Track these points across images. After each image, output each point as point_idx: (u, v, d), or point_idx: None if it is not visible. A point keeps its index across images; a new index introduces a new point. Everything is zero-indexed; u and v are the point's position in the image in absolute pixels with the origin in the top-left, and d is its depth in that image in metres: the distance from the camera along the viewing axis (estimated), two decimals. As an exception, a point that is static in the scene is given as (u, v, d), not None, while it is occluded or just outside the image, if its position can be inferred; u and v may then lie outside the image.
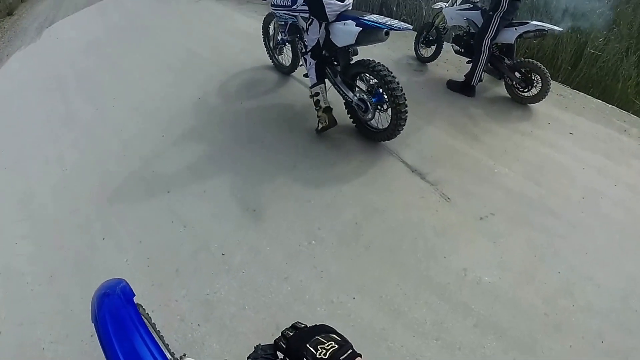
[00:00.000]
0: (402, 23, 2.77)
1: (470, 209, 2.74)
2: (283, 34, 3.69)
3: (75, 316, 2.28)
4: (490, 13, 3.48)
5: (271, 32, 4.18)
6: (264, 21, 4.19)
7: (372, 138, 3.27)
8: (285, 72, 4.24)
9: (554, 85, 3.88)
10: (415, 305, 2.19)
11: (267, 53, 4.36)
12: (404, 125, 3.02)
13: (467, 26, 3.88)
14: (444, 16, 4.01)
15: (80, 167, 3.43)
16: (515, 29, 3.46)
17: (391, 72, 2.93)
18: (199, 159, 3.30)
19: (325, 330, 0.82)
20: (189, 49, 5.28)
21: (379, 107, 3.09)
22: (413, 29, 4.06)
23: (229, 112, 3.83)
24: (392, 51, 4.62)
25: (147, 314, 1.54)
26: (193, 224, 2.73)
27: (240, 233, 2.63)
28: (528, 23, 3.43)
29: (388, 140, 3.17)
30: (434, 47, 4.33)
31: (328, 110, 3.25)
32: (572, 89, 4.09)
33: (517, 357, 1.99)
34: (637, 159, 3.22)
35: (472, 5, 3.77)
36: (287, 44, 3.96)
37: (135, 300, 1.23)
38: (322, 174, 3.04)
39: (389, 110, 3.03)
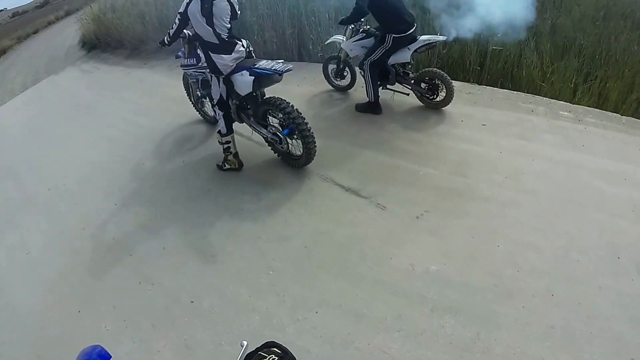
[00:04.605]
0: (285, 65, 3.19)
1: (405, 212, 2.98)
2: (199, 90, 3.96)
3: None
4: (379, 43, 3.87)
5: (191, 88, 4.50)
6: (183, 79, 4.53)
7: (295, 165, 3.56)
8: (212, 121, 4.56)
9: (462, 85, 4.28)
10: (374, 306, 2.37)
11: (194, 107, 4.70)
12: (314, 147, 3.34)
13: None
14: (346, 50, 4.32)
15: (44, 248, 3.48)
16: (408, 48, 3.84)
17: (290, 103, 3.26)
18: (153, 219, 3.45)
19: (267, 346, 1.00)
20: (127, 119, 5.50)
21: (293, 137, 3.40)
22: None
23: (174, 171, 4.05)
24: (314, 86, 4.95)
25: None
26: (159, 280, 2.85)
27: (204, 280, 2.77)
28: (417, 39, 3.81)
29: (308, 164, 3.47)
30: (349, 77, 4.65)
31: (237, 155, 3.75)
32: (483, 85, 4.46)
33: (477, 329, 2.17)
34: (548, 133, 3.57)
35: (364, 35, 4.10)
36: (206, 97, 4.25)
37: None
38: (266, 211, 3.25)
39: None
